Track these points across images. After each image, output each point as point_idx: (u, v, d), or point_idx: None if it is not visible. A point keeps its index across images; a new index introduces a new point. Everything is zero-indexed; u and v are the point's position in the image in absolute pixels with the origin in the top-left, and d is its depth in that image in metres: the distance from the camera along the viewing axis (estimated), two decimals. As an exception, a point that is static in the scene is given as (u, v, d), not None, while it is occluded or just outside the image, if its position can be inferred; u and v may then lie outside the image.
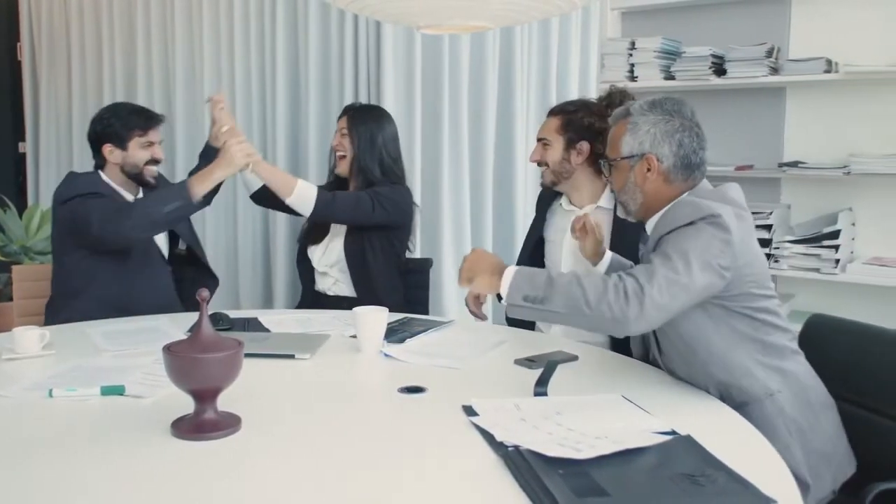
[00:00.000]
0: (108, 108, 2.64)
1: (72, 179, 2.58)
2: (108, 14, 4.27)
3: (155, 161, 2.60)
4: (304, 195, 2.58)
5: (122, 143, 2.55)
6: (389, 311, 2.07)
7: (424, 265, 3.00)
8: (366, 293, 2.68)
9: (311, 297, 2.83)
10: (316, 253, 2.79)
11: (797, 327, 3.08)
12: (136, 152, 2.56)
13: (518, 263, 2.53)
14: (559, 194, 2.47)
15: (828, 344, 1.95)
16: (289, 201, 2.58)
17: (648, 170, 1.78)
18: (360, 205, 2.63)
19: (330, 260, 2.77)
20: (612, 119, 1.89)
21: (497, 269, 1.72)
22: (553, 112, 2.42)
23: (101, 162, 2.60)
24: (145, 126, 2.57)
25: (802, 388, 1.73)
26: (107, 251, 2.46)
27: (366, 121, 2.76)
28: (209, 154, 2.66)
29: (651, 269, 1.61)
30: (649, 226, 1.84)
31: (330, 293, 2.78)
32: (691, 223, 1.66)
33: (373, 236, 2.71)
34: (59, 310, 2.53)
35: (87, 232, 2.37)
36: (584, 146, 2.32)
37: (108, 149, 2.56)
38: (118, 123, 2.55)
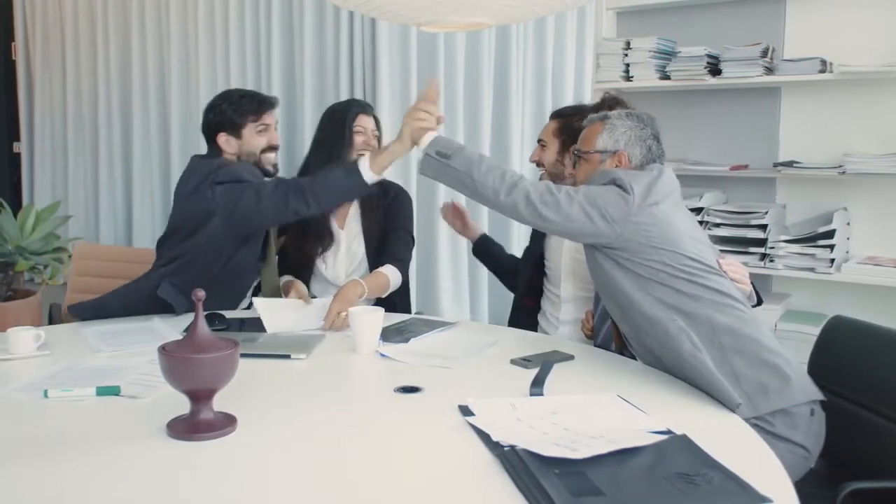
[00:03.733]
0: (220, 95, 2.52)
1: (230, 165, 2.40)
2: (102, 14, 4.26)
3: (272, 147, 2.50)
4: (395, 284, 2.53)
5: (236, 131, 2.45)
6: (399, 311, 2.07)
7: None
8: (384, 302, 2.58)
9: None
10: (331, 266, 2.63)
11: (792, 326, 3.11)
12: (252, 139, 2.46)
13: (522, 266, 2.65)
14: None
15: (845, 346, 1.94)
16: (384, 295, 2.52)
17: (617, 166, 2.00)
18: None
19: (349, 270, 2.63)
20: (588, 121, 2.09)
21: (418, 129, 2.04)
22: (553, 115, 2.50)
23: (216, 153, 2.49)
24: (258, 110, 2.47)
25: (713, 332, 1.80)
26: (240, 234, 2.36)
27: None
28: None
29: (545, 182, 1.94)
30: None
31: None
32: (602, 185, 1.91)
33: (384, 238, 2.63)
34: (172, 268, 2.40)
35: (247, 213, 2.26)
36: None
37: (223, 138, 2.46)
38: (230, 110, 2.45)
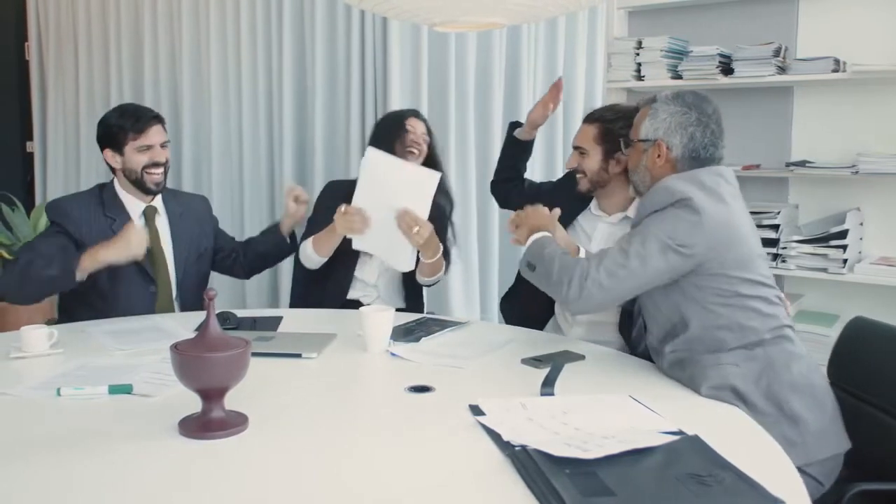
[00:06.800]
0: (109, 110, 2.52)
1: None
2: (115, 14, 4.28)
3: (155, 164, 2.44)
4: (442, 271, 2.67)
5: (118, 148, 2.43)
6: (410, 311, 2.07)
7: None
8: (414, 303, 2.71)
9: (339, 305, 2.66)
10: (371, 266, 2.69)
11: (805, 327, 3.09)
12: (133, 156, 2.42)
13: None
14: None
15: (865, 348, 1.91)
16: (434, 279, 2.66)
17: (659, 155, 1.88)
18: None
19: (382, 270, 2.69)
20: (641, 102, 1.98)
21: (532, 230, 2.00)
22: (591, 119, 2.35)
23: (111, 168, 2.49)
24: (136, 128, 2.41)
25: (771, 368, 1.73)
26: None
27: None
28: (271, 231, 2.72)
29: (603, 254, 1.79)
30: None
31: (366, 303, 2.68)
32: (664, 208, 1.77)
33: None
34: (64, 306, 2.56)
35: None
36: (623, 157, 2.24)
37: (108, 154, 2.45)
38: (114, 127, 2.43)
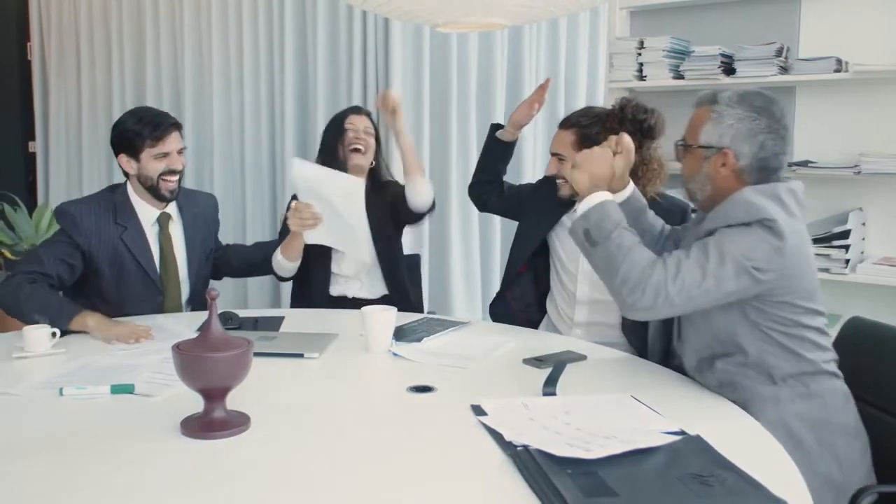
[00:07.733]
0: (125, 114, 2.46)
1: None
2: (117, 14, 4.29)
3: (171, 171, 2.39)
4: (430, 187, 2.65)
5: (134, 154, 2.37)
6: (411, 309, 2.06)
7: (416, 261, 3.03)
8: (397, 293, 2.71)
9: (325, 303, 2.70)
10: (345, 258, 2.69)
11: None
12: (149, 164, 2.37)
13: (510, 259, 2.56)
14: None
15: (863, 348, 1.91)
16: (418, 184, 2.59)
17: (723, 164, 1.74)
18: None
19: (361, 264, 2.70)
20: (697, 102, 1.82)
21: (595, 183, 1.82)
22: (566, 125, 2.33)
23: (124, 173, 2.45)
24: (154, 135, 2.36)
25: (825, 409, 1.68)
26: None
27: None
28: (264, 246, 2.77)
29: (679, 265, 1.64)
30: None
31: (349, 296, 2.71)
32: (746, 224, 1.64)
33: (397, 235, 2.72)
34: None
35: None
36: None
37: (123, 159, 2.40)
38: (130, 133, 2.37)
